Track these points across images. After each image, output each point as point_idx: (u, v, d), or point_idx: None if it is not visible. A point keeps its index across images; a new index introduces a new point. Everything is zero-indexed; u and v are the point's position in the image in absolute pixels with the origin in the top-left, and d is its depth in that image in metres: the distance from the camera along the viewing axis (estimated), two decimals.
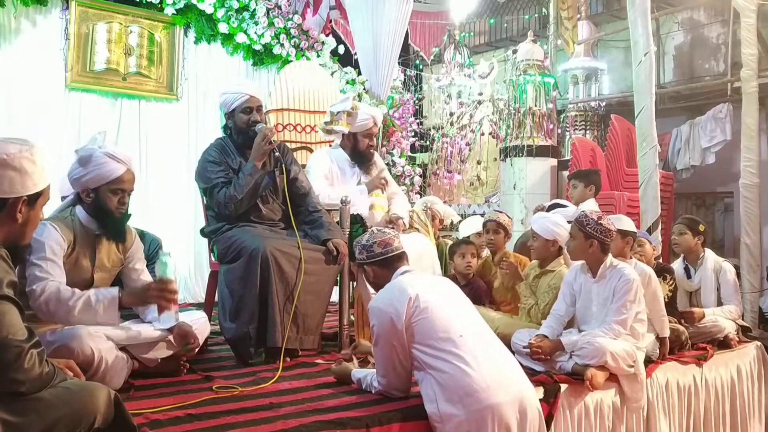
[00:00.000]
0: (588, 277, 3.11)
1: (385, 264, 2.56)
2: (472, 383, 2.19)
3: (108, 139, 2.57)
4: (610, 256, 3.10)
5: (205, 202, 3.50)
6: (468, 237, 4.55)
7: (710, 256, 4.03)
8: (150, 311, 2.69)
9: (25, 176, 1.75)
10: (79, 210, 2.59)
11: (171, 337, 2.66)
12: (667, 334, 3.33)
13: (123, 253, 2.70)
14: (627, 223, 3.51)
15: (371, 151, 3.79)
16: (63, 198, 3.67)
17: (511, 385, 2.26)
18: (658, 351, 3.31)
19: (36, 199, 1.80)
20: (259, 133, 3.22)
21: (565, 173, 7.24)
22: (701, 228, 4.03)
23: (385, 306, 2.37)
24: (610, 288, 3.02)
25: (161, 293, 2.51)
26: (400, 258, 2.58)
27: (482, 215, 5.62)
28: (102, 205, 2.54)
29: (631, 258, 3.44)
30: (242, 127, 3.30)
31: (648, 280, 3.31)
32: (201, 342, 2.94)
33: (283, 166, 3.34)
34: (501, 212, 4.08)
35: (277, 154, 3.34)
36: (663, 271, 3.69)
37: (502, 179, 7.72)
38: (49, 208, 3.43)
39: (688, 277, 4.05)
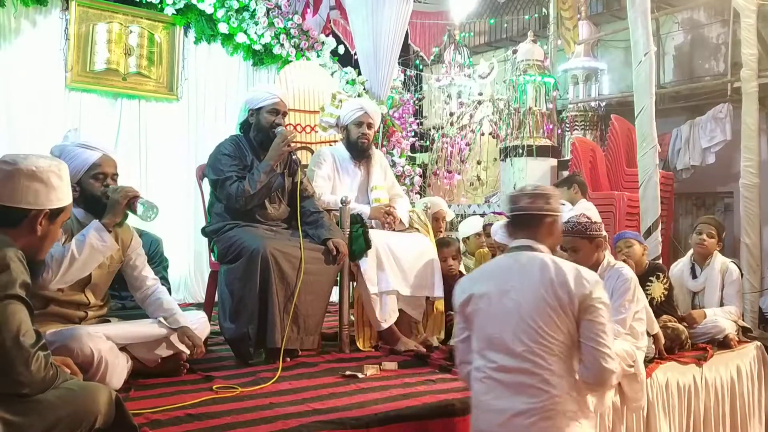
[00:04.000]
0: None
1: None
2: (476, 400, 2.08)
3: (82, 133, 2.56)
4: (607, 255, 3.11)
5: (206, 200, 3.51)
6: (468, 237, 4.57)
7: (718, 257, 4.05)
8: (156, 309, 2.72)
9: (50, 190, 1.81)
10: (74, 209, 2.59)
11: (174, 337, 2.68)
12: (655, 330, 3.32)
13: (122, 249, 2.71)
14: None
15: (364, 141, 3.75)
16: None
17: (501, 418, 1.97)
18: (653, 347, 3.30)
19: (57, 215, 1.85)
20: (280, 134, 3.27)
21: (565, 173, 7.24)
22: (724, 234, 4.14)
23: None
24: (608, 288, 3.01)
25: (124, 193, 2.50)
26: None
27: (482, 215, 5.62)
28: (89, 195, 2.55)
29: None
30: (264, 126, 3.33)
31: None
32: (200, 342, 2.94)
33: (297, 168, 3.39)
34: (501, 213, 4.10)
35: (294, 157, 3.40)
36: (656, 270, 3.70)
37: (502, 179, 7.73)
38: None
39: (694, 276, 4.06)
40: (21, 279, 1.64)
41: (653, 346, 3.30)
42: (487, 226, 4.22)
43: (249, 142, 3.39)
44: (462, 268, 4.06)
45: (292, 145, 3.32)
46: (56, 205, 1.83)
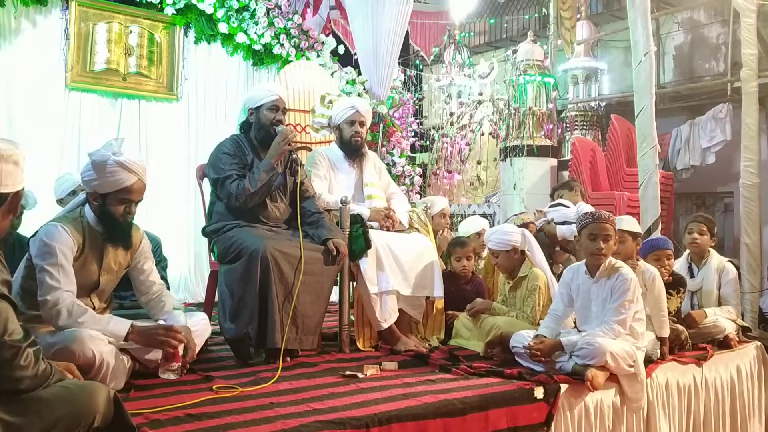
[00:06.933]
0: (587, 278, 3.11)
1: None
2: None
3: (124, 146, 2.53)
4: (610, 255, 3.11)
5: (206, 200, 3.51)
6: (468, 237, 4.56)
7: (714, 256, 4.05)
8: (158, 312, 2.73)
9: (20, 170, 1.77)
10: (87, 211, 2.59)
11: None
12: (666, 334, 3.34)
13: (131, 254, 2.70)
14: (636, 224, 3.63)
15: (357, 139, 3.76)
16: (59, 201, 3.66)
17: None
18: (658, 351, 3.31)
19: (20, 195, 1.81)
20: (280, 133, 3.29)
21: (566, 173, 7.24)
22: (716, 230, 4.09)
23: None
24: (608, 288, 3.02)
25: (167, 337, 2.46)
26: None
27: (482, 215, 5.62)
28: (108, 212, 2.54)
29: (638, 260, 3.47)
30: (265, 124, 3.36)
31: (653, 281, 3.35)
32: (201, 342, 2.94)
33: (297, 168, 3.40)
34: (523, 213, 4.13)
35: (294, 156, 3.42)
36: (678, 285, 3.69)
37: (502, 179, 7.72)
38: (45, 211, 3.44)
39: (691, 276, 4.06)
40: (0, 277, 1.63)
41: (657, 350, 3.30)
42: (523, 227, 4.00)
43: (249, 142, 3.41)
44: None
45: (293, 144, 3.33)
46: (22, 185, 1.79)
